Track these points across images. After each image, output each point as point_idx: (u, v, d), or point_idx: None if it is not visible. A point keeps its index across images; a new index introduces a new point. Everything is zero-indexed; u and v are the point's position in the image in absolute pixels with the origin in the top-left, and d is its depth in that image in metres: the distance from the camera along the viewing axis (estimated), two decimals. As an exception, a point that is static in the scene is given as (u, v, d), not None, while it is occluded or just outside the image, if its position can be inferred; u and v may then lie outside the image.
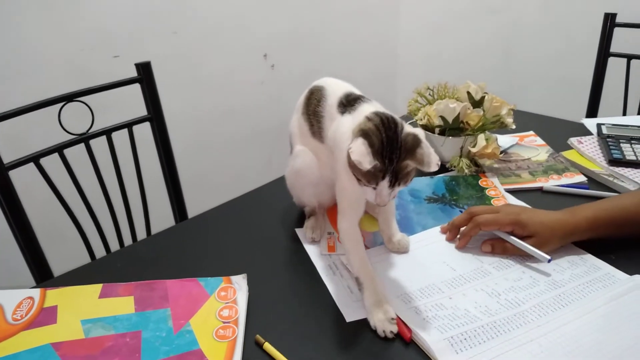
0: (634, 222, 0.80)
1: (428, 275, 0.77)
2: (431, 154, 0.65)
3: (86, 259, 1.11)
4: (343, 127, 0.72)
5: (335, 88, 0.80)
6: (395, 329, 0.66)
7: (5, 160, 1.01)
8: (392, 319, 0.67)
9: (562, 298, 0.71)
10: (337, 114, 0.77)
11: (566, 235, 0.79)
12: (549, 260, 0.76)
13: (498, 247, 0.81)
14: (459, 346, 0.63)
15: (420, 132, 0.67)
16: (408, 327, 0.67)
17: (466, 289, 0.74)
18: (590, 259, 0.79)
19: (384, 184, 0.66)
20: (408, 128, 0.68)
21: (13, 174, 1.02)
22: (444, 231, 0.87)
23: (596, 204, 0.82)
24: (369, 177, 0.66)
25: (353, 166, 0.66)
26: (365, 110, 0.72)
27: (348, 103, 0.76)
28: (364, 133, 0.65)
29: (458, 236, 0.85)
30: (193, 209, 1.23)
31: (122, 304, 0.71)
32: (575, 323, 0.66)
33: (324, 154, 0.83)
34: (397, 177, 0.66)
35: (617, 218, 0.80)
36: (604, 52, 1.63)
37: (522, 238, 0.80)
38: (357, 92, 0.80)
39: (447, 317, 0.68)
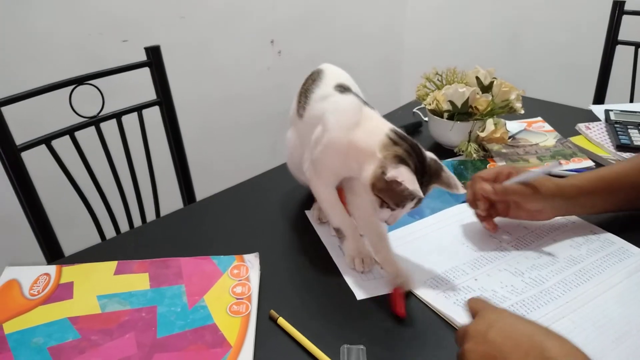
0: (616, 189, 0.81)
1: (450, 258, 0.78)
2: (454, 176, 0.68)
3: (96, 240, 1.12)
4: (343, 103, 0.75)
5: (337, 73, 0.82)
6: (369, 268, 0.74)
7: (18, 142, 1.02)
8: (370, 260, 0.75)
9: (582, 273, 0.73)
10: (334, 92, 0.77)
11: (548, 196, 0.79)
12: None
13: (493, 212, 0.83)
14: None
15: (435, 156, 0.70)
16: (403, 304, 0.68)
17: (490, 269, 0.76)
18: (603, 234, 0.82)
19: (409, 206, 0.68)
20: (427, 152, 0.70)
21: (25, 156, 1.03)
22: (473, 207, 0.85)
23: (584, 174, 0.84)
24: (400, 201, 0.66)
25: (384, 189, 0.66)
26: (371, 116, 0.73)
27: (345, 90, 0.78)
28: (401, 159, 0.66)
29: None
30: (201, 193, 1.25)
31: (137, 281, 0.72)
32: (601, 298, 0.68)
33: (301, 131, 0.83)
34: (419, 200, 0.68)
35: (599, 187, 0.81)
36: (611, 40, 1.62)
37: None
38: (353, 87, 0.80)
39: None
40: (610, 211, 0.84)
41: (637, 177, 0.81)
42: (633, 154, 1.02)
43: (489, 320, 0.53)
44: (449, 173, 0.68)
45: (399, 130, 0.71)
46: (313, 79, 0.82)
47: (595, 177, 0.82)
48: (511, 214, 0.83)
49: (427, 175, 0.67)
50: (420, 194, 0.64)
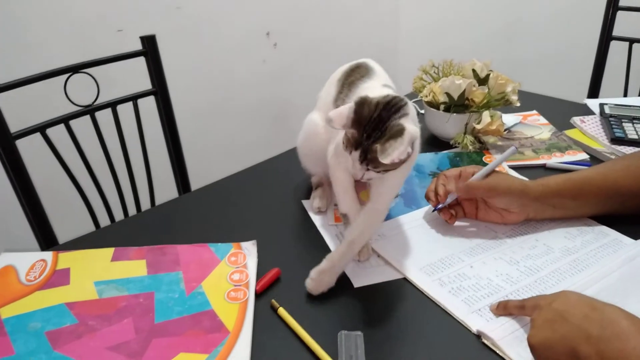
0: (583, 192, 0.81)
1: (446, 247, 0.79)
2: (397, 149, 0.64)
3: (91, 229, 1.12)
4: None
5: (384, 73, 0.82)
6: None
7: (12, 130, 1.01)
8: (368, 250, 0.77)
9: (577, 263, 0.74)
10: (380, 87, 0.76)
11: (513, 192, 0.79)
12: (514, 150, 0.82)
13: (460, 212, 0.84)
14: (488, 315, 0.65)
15: (413, 132, 0.66)
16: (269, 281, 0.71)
17: (485, 257, 0.76)
18: (597, 226, 0.82)
19: (355, 155, 0.67)
20: (408, 122, 0.67)
21: (19, 144, 1.02)
22: (427, 198, 0.86)
23: (553, 177, 0.83)
24: (347, 142, 0.68)
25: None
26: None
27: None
28: (360, 101, 0.67)
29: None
30: (196, 183, 1.25)
31: (134, 267, 0.72)
32: (595, 287, 0.69)
33: None
34: (366, 157, 0.66)
35: (566, 189, 0.81)
36: (606, 36, 1.63)
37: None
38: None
39: (471, 287, 0.70)
40: (582, 215, 0.84)
41: (601, 182, 0.82)
42: (627, 147, 1.03)
43: (558, 294, 0.59)
44: (396, 144, 0.64)
45: (397, 95, 0.69)
46: (361, 74, 0.80)
47: (563, 179, 0.82)
48: (480, 215, 0.84)
49: (380, 132, 0.65)
50: (333, 124, 0.66)
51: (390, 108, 0.67)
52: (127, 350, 0.59)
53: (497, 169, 0.82)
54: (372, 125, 0.65)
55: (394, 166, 0.68)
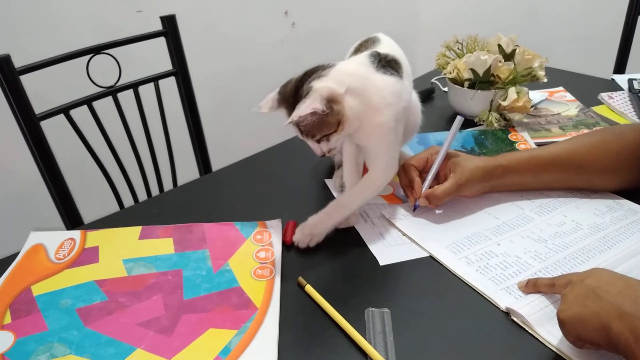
0: (547, 169, 0.81)
1: (472, 224, 0.78)
2: (299, 106, 0.64)
3: (115, 209, 1.13)
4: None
5: (387, 44, 0.80)
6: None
7: (37, 111, 1.02)
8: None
9: (606, 240, 0.73)
10: (363, 59, 0.75)
11: (476, 182, 0.79)
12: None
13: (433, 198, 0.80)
14: (517, 293, 0.64)
15: (320, 87, 0.65)
16: (291, 234, 0.74)
17: (512, 235, 0.75)
18: (626, 203, 0.81)
19: (298, 131, 0.69)
20: (322, 82, 0.66)
21: (44, 125, 1.03)
22: (408, 193, 0.82)
23: (516, 153, 0.84)
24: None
25: None
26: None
27: (380, 60, 0.74)
28: (285, 83, 0.70)
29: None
30: (216, 164, 1.24)
31: (162, 245, 0.73)
32: (626, 265, 0.68)
33: None
34: (299, 128, 0.67)
35: (528, 167, 0.81)
36: (634, 10, 1.58)
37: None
38: (398, 60, 0.77)
39: (499, 265, 0.69)
40: (543, 189, 0.84)
41: (569, 159, 0.81)
42: (658, 123, 1.01)
43: (590, 271, 0.58)
44: (302, 102, 0.64)
45: (329, 63, 0.70)
46: (366, 47, 0.80)
47: (527, 157, 0.82)
48: None
49: (300, 99, 0.65)
50: (261, 109, 0.70)
51: (306, 76, 0.68)
52: (157, 326, 0.60)
53: (524, 146, 0.80)
54: (293, 98, 0.67)
55: (329, 128, 0.67)
